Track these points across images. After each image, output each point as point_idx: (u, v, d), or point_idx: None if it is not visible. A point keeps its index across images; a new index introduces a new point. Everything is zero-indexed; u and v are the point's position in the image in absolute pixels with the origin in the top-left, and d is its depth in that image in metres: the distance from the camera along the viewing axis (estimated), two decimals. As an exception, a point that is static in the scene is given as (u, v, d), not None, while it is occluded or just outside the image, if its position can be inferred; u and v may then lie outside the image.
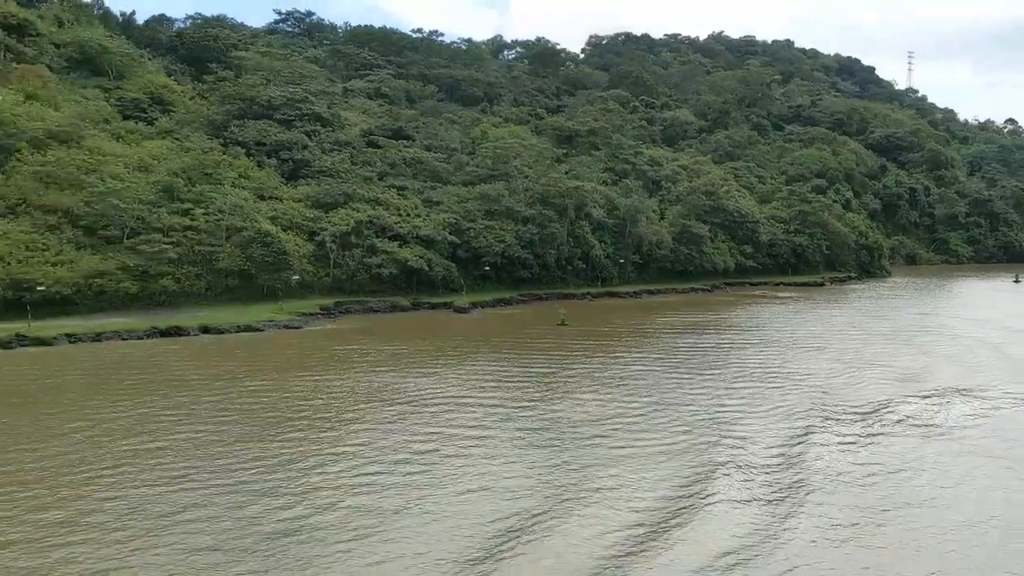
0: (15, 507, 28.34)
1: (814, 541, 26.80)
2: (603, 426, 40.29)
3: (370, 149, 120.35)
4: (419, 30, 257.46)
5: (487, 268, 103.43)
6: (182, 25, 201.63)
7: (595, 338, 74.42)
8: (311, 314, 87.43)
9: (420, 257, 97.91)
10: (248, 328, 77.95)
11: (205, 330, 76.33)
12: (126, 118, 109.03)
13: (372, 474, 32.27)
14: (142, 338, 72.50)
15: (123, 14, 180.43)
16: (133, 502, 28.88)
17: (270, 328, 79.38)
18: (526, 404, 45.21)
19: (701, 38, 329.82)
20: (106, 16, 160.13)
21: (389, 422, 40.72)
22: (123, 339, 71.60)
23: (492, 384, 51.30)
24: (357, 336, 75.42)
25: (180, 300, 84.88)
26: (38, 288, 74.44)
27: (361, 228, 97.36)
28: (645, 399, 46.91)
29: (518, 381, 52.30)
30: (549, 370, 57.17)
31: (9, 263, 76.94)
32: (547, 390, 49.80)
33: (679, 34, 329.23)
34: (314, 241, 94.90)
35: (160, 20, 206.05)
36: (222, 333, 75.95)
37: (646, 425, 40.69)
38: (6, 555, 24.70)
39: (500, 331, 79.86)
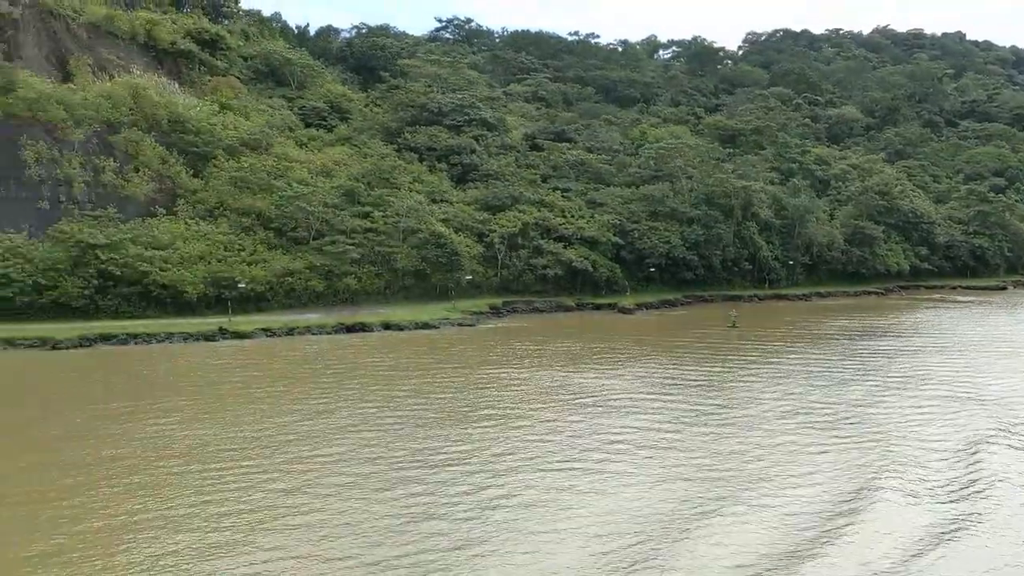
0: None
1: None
2: (793, 420, 40.02)
3: (533, 152, 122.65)
4: (575, 33, 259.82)
5: (652, 269, 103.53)
6: (348, 35, 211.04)
7: (769, 340, 73.33)
8: (481, 313, 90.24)
9: (584, 258, 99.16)
10: (425, 325, 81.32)
11: (386, 326, 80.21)
12: (308, 126, 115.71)
13: (563, 462, 33.34)
14: (330, 333, 76.94)
15: (298, 27, 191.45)
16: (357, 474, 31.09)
17: (445, 325, 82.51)
18: (711, 404, 45.37)
19: (864, 32, 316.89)
20: (284, 29, 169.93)
21: (577, 417, 41.81)
22: (313, 334, 76.24)
23: (672, 384, 51.67)
24: (528, 334, 77.29)
25: (361, 298, 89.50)
26: (239, 286, 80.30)
27: (527, 230, 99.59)
28: (832, 401, 46.13)
29: (697, 381, 52.46)
30: (727, 371, 56.99)
31: (210, 262, 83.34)
32: (729, 391, 49.74)
33: (840, 29, 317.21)
34: (483, 242, 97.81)
35: (328, 31, 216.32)
36: (401, 330, 79.59)
37: (846, 432, 40.10)
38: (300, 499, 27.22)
39: (669, 332, 79.96)
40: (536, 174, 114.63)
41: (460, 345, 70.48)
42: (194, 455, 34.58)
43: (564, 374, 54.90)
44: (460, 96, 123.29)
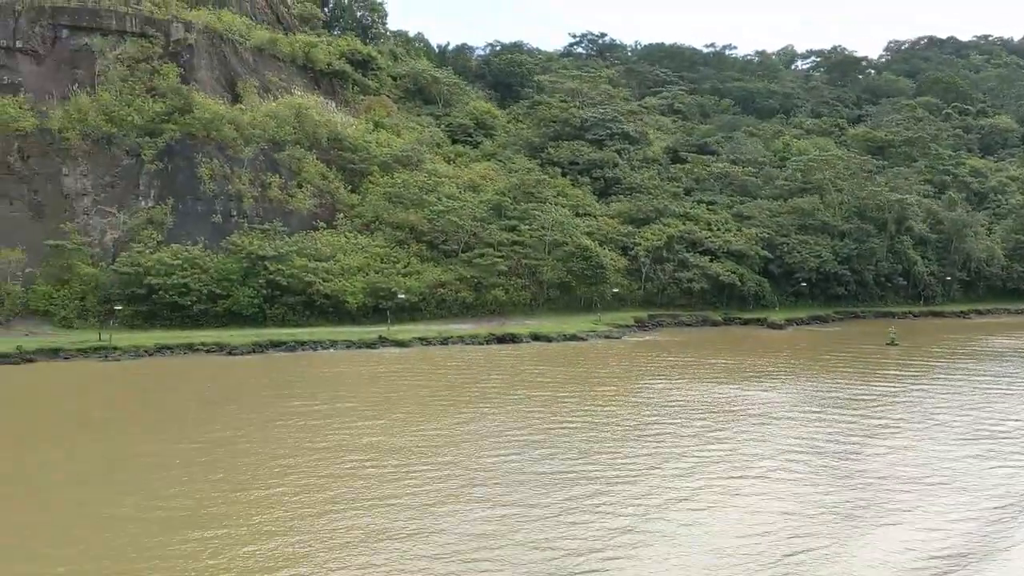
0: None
1: None
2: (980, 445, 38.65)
3: (675, 165, 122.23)
4: (711, 45, 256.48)
5: (803, 284, 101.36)
6: (482, 53, 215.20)
7: (931, 359, 70.71)
8: (627, 326, 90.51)
9: (732, 272, 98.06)
10: (573, 337, 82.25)
11: (535, 338, 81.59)
12: (454, 142, 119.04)
13: (745, 477, 33.27)
14: (482, 344, 78.86)
15: (439, 46, 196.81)
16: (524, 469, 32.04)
17: (592, 338, 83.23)
18: (885, 421, 44.29)
19: (1015, 38, 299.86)
20: (427, 49, 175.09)
21: (747, 433, 41.59)
22: (466, 344, 78.35)
23: (839, 399, 50.65)
24: (677, 348, 77.06)
25: (508, 309, 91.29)
26: (399, 296, 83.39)
27: (672, 243, 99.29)
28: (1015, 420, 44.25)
29: (866, 398, 51.20)
30: (895, 388, 55.38)
31: (368, 273, 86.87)
32: (901, 408, 48.38)
33: (989, 35, 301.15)
34: (627, 255, 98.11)
35: (463, 49, 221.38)
36: (550, 341, 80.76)
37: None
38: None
39: (824, 348, 78.14)
40: (679, 187, 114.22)
41: (612, 358, 70.97)
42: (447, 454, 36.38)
43: (726, 388, 54.59)
44: (602, 110, 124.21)
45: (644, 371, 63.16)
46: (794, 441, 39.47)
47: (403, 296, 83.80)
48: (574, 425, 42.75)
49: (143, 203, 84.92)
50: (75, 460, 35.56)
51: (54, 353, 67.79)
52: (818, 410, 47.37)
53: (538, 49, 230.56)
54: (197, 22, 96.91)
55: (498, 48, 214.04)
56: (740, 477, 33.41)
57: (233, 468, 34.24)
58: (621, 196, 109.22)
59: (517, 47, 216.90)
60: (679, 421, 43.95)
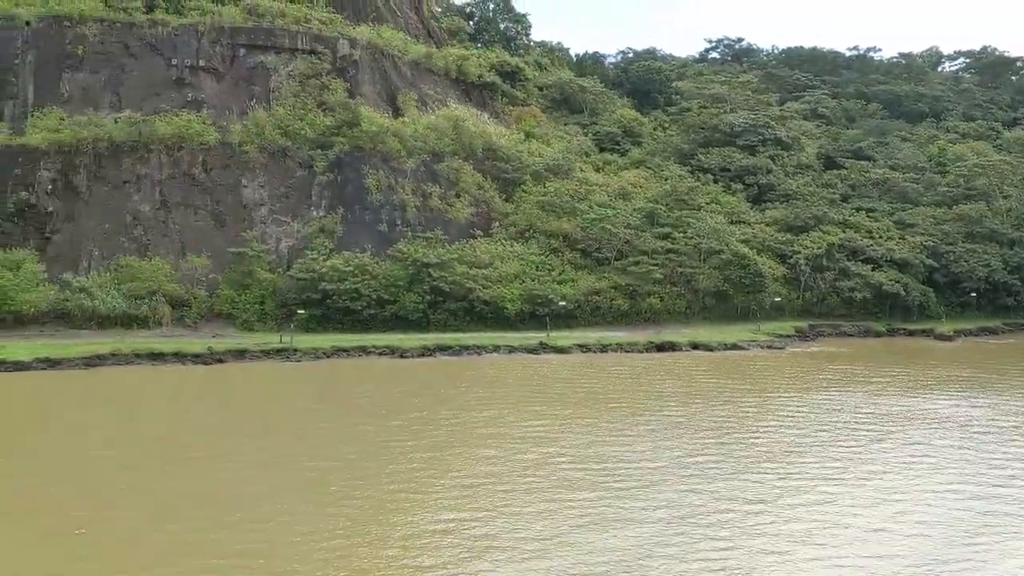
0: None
1: None
2: None
3: (829, 171, 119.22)
4: (854, 47, 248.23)
5: (971, 294, 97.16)
6: (614, 61, 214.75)
7: None
8: (787, 336, 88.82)
9: (895, 281, 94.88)
10: (734, 347, 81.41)
11: (694, 346, 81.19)
12: (602, 150, 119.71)
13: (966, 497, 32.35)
14: (641, 351, 79.00)
15: (577, 55, 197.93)
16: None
17: (753, 347, 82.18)
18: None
19: None
20: (567, 59, 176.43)
21: (954, 445, 40.40)
22: (625, 351, 78.67)
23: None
24: (844, 359, 75.16)
25: (662, 317, 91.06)
26: (560, 303, 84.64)
27: (832, 251, 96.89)
28: None
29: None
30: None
31: (524, 281, 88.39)
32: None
33: None
34: (786, 264, 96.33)
35: (595, 57, 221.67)
36: (711, 350, 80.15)
37: None
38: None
39: (1004, 360, 74.76)
40: (835, 193, 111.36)
41: (781, 367, 69.94)
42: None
43: (912, 400, 53.08)
44: (752, 116, 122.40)
45: (822, 381, 62.00)
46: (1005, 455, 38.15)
47: (563, 303, 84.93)
48: (770, 440, 42.54)
49: (315, 212, 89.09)
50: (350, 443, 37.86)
51: (241, 354, 71.87)
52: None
53: (671, 55, 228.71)
54: (361, 38, 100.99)
55: (630, 55, 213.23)
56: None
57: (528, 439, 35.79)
58: (776, 203, 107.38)
59: (650, 54, 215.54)
60: (872, 431, 43.11)
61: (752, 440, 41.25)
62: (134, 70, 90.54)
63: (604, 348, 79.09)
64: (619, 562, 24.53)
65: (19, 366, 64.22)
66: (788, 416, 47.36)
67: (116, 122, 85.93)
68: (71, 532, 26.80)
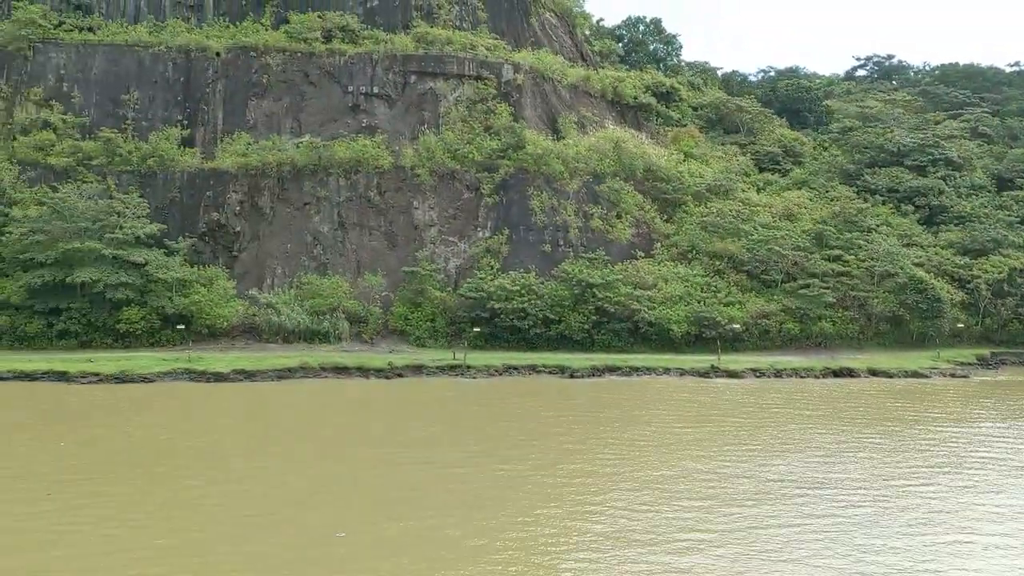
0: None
1: None
2: None
3: (1005, 192, 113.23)
4: (1015, 64, 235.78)
5: None
6: (754, 79, 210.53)
7: None
8: (968, 363, 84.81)
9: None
10: (915, 374, 78.22)
11: (872, 373, 78.40)
12: (761, 170, 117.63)
13: None
14: (816, 377, 76.83)
15: (724, 74, 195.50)
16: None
17: (935, 375, 78.73)
18: None
19: None
20: (716, 78, 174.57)
21: None
22: (800, 377, 76.70)
23: None
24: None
25: (833, 342, 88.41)
26: (733, 327, 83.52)
27: (1015, 276, 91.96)
28: None
29: None
30: None
31: (689, 303, 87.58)
32: None
33: None
34: (964, 289, 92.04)
35: (740, 76, 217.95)
36: (890, 377, 77.22)
37: None
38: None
39: None
40: (1011, 215, 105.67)
41: (978, 397, 66.70)
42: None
43: None
44: (921, 135, 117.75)
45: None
46: None
47: (737, 326, 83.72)
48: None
49: (481, 233, 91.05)
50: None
51: (418, 369, 74.02)
52: None
53: (815, 73, 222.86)
54: (524, 63, 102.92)
55: (772, 73, 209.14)
56: None
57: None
58: (949, 225, 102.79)
59: (793, 72, 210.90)
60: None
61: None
62: (313, 97, 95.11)
63: (778, 373, 77.33)
64: None
65: (218, 377, 68.25)
66: None
67: (298, 147, 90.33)
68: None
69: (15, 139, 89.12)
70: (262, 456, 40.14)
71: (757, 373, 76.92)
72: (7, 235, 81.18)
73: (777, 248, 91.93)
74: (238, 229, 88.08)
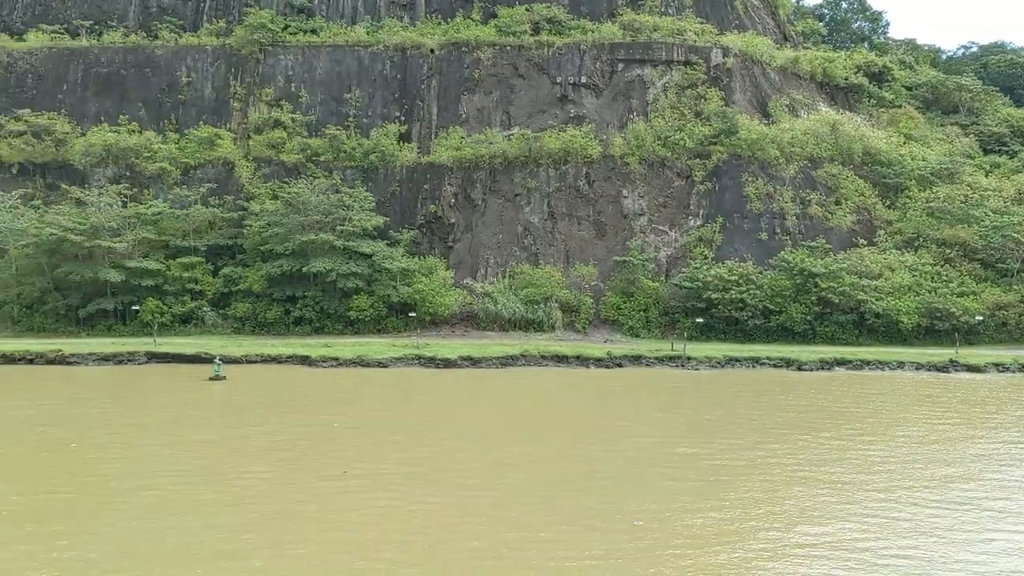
0: None
1: None
2: None
3: None
4: None
5: None
6: (954, 54, 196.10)
7: None
8: None
9: None
10: None
11: None
12: (987, 152, 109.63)
13: None
14: (1069, 373, 70.75)
15: (930, 49, 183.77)
16: None
17: None
18: None
19: None
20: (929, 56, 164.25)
21: None
22: (1052, 374, 70.79)
23: None
24: None
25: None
26: (976, 318, 78.38)
27: None
28: None
29: None
30: None
31: (919, 292, 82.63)
32: None
33: None
34: None
35: (934, 51, 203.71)
36: None
37: None
38: None
39: None
40: None
41: None
42: None
43: None
44: None
45: None
46: None
47: (979, 318, 78.43)
48: None
49: (692, 222, 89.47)
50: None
51: (636, 359, 73.53)
52: None
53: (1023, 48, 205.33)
54: (732, 46, 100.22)
55: (974, 49, 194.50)
56: None
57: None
58: None
59: (1000, 47, 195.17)
60: None
61: None
62: (522, 89, 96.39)
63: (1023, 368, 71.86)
64: None
65: (447, 363, 70.37)
66: None
67: (508, 139, 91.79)
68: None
69: (250, 138, 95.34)
70: (539, 440, 40.69)
71: (1000, 368, 71.65)
72: (247, 228, 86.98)
73: (1013, 235, 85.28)
74: (453, 220, 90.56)
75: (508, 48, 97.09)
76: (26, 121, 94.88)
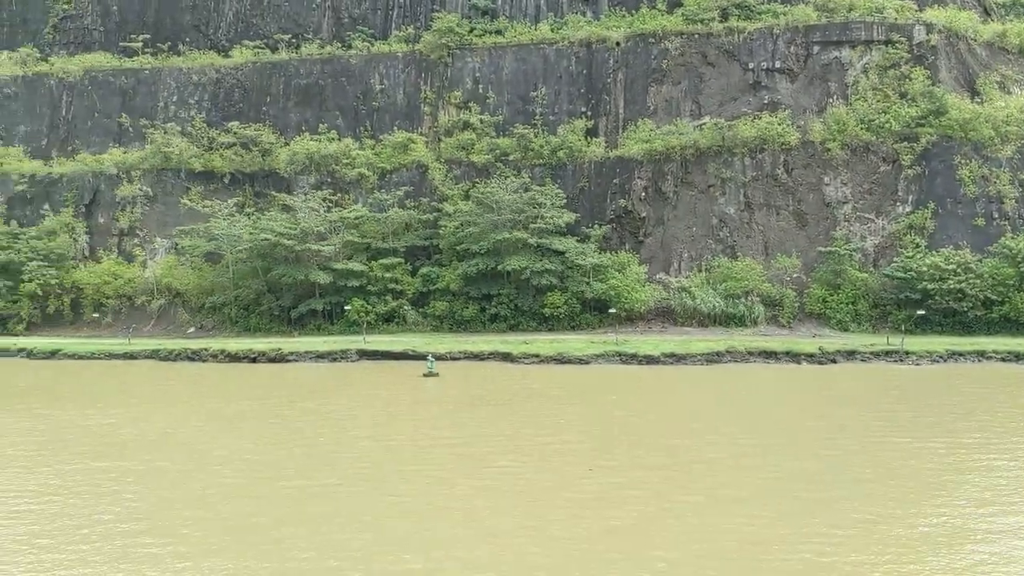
0: None
1: None
2: None
3: None
4: None
5: None
6: None
7: None
8: None
9: None
10: None
11: None
12: None
13: None
14: None
15: None
16: None
17: None
18: None
19: None
20: None
21: None
22: None
23: None
24: None
25: None
26: None
27: None
28: None
29: None
30: None
31: None
32: None
33: None
34: None
35: None
36: None
37: None
38: None
39: None
40: None
41: None
42: None
43: None
44: None
45: None
46: None
47: None
48: None
49: (901, 208, 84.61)
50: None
51: (850, 355, 69.97)
52: None
53: None
54: (936, 22, 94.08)
55: None
56: None
57: None
58: None
59: None
60: None
61: None
62: (712, 78, 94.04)
63: None
64: None
65: (650, 360, 69.37)
66: None
67: (699, 129, 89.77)
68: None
69: (440, 140, 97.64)
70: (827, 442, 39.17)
71: None
72: (442, 228, 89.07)
73: None
74: (644, 214, 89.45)
75: (696, 36, 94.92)
76: (235, 133, 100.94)
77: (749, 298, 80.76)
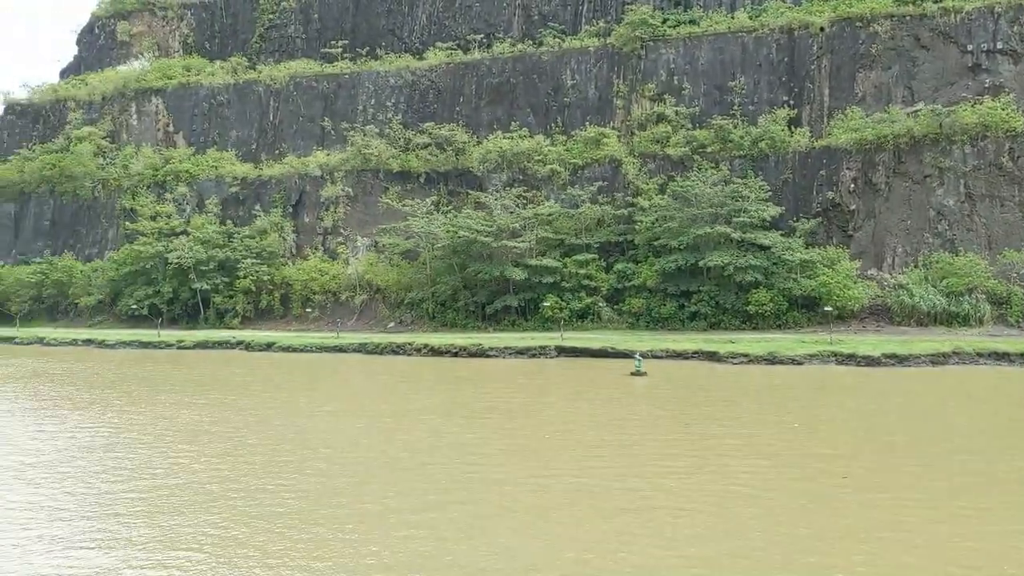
0: None
1: None
2: None
3: None
4: None
5: None
6: None
7: None
8: None
9: None
10: None
11: None
12: None
13: None
14: None
15: None
16: None
17: None
18: None
19: None
20: None
21: None
22: None
23: None
24: None
25: None
26: None
27: None
28: None
29: None
30: None
31: None
32: None
33: None
34: None
35: None
36: None
37: None
38: None
39: None
40: None
41: None
42: None
43: None
44: None
45: None
46: None
47: None
48: None
49: None
50: None
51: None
52: None
53: None
54: None
55: None
56: None
57: None
58: None
59: None
60: None
61: None
62: (926, 61, 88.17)
63: None
64: None
65: (869, 361, 65.54)
66: None
67: (914, 116, 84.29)
68: None
69: (634, 134, 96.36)
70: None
71: None
72: (637, 224, 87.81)
73: None
74: (853, 207, 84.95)
75: (908, 18, 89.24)
76: (430, 134, 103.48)
77: (973, 295, 75.06)
